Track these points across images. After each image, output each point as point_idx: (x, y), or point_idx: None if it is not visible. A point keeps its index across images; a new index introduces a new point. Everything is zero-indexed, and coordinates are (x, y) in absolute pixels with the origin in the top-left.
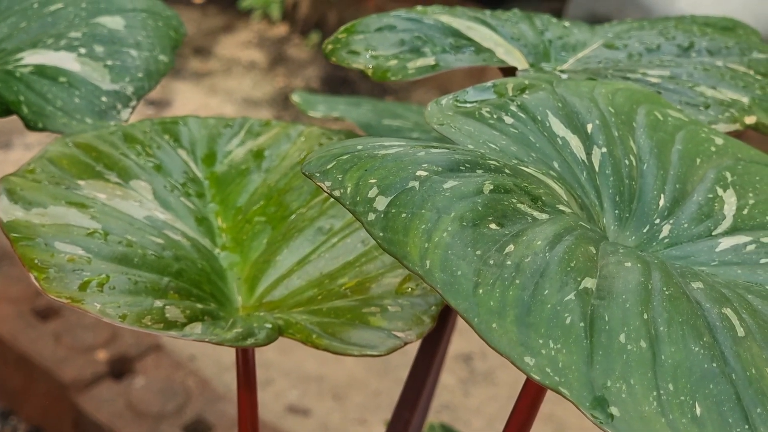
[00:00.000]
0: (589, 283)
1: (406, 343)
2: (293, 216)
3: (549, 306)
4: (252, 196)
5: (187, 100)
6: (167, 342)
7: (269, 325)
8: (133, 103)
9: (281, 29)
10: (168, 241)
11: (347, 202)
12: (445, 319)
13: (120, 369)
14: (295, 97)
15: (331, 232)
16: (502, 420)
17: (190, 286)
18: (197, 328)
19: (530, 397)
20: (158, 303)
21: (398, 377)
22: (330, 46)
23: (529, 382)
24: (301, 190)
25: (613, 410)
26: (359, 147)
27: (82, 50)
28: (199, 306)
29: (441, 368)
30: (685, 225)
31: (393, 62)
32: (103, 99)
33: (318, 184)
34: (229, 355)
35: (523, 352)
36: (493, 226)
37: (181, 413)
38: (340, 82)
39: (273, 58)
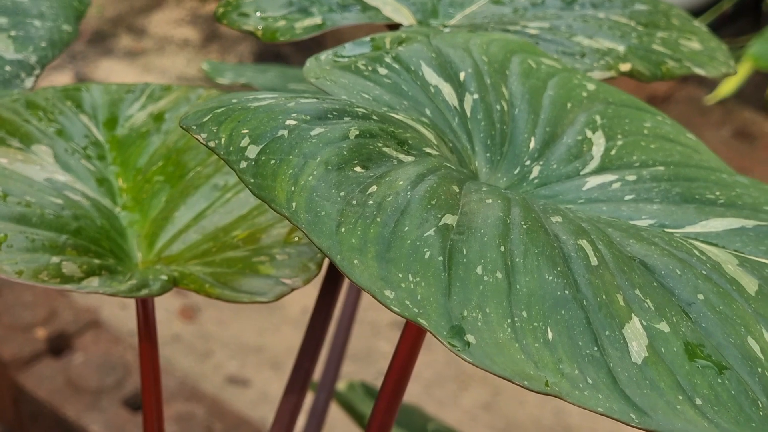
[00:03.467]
0: (449, 219)
1: (293, 289)
2: (191, 174)
3: (409, 242)
4: (152, 157)
5: (121, 79)
6: (106, 318)
7: (164, 277)
8: (37, 71)
9: (213, 6)
10: (67, 201)
11: (221, 152)
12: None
13: (59, 346)
14: (204, 66)
15: (225, 188)
16: (439, 385)
17: (89, 243)
18: (94, 281)
19: (409, 341)
20: (55, 259)
21: None
22: (221, 10)
23: (407, 328)
24: (199, 149)
25: (470, 338)
26: (234, 100)
27: None
28: (97, 261)
29: (351, 322)
30: (555, 166)
31: (281, 23)
32: (7, 68)
33: (195, 136)
34: (168, 328)
35: (383, 286)
36: (357, 168)
37: (120, 387)
38: (272, 56)
39: (206, 35)
